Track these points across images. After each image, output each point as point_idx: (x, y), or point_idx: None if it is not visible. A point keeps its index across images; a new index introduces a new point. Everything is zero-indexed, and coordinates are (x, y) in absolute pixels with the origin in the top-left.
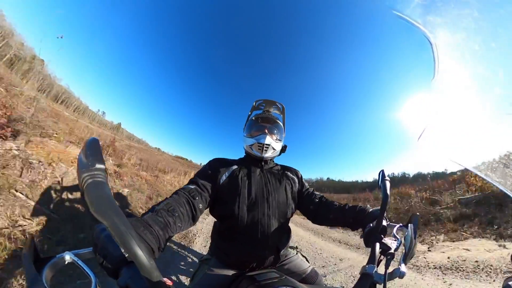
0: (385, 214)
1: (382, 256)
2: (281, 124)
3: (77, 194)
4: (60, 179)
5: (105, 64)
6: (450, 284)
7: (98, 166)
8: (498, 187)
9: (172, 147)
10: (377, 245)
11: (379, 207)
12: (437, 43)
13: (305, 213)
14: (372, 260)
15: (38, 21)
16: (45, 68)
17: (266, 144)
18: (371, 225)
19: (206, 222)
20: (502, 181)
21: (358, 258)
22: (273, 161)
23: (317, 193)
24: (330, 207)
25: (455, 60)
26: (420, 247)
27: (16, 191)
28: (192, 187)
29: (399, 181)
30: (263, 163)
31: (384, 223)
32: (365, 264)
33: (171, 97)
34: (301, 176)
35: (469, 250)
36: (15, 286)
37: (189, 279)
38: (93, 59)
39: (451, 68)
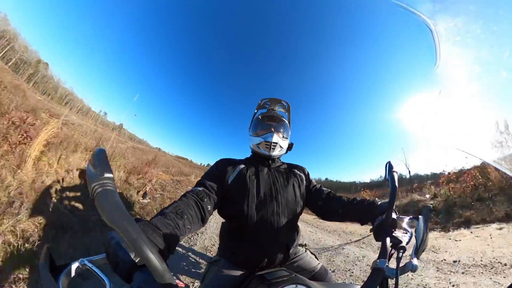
0: (394, 207)
1: (393, 250)
2: (287, 122)
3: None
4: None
5: (105, 64)
6: None
7: (106, 175)
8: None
9: (171, 147)
10: (388, 239)
11: (387, 200)
12: (437, 29)
13: (313, 209)
14: (383, 254)
15: (39, 23)
16: (50, 71)
17: (273, 142)
18: (380, 218)
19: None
20: None
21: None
22: (280, 160)
23: (325, 189)
24: (339, 202)
25: (457, 46)
26: None
27: None
28: (200, 189)
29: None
30: (270, 162)
31: (394, 216)
32: (376, 259)
33: (171, 97)
34: (308, 173)
35: None
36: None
37: (192, 280)
38: (94, 59)
39: (454, 53)
